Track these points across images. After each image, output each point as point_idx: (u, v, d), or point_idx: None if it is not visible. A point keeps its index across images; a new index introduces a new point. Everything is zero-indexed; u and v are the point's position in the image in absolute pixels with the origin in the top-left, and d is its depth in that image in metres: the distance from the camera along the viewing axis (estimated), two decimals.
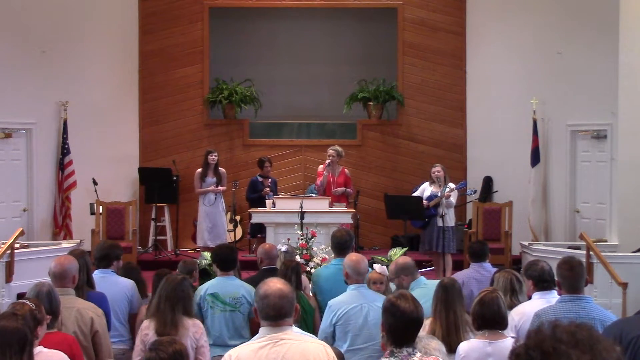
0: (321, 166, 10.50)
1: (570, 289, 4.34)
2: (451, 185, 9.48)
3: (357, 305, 4.94)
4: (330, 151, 10.30)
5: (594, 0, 10.44)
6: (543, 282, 4.77)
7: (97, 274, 5.77)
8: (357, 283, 5.09)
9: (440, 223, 9.25)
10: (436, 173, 9.48)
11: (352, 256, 5.27)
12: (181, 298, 4.66)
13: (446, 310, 4.50)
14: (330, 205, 9.78)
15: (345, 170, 10.52)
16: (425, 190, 9.57)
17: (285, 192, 11.21)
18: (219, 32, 12.50)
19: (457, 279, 5.67)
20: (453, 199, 9.51)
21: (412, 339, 3.32)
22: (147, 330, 4.64)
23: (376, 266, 5.60)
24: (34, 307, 3.65)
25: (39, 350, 3.56)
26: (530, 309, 4.55)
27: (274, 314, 3.16)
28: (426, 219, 9.38)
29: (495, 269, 5.89)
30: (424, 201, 9.38)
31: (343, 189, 10.29)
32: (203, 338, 4.63)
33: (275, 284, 3.24)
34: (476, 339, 4.11)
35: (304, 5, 12.51)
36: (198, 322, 4.73)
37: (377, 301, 4.98)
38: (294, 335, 3.23)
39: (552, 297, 4.70)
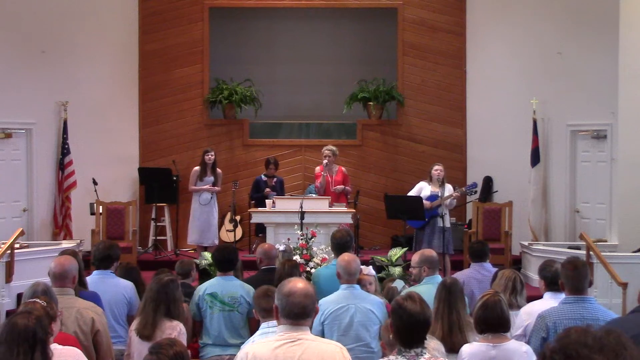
0: (318, 167, 10.51)
1: (573, 290, 4.34)
2: (449, 186, 9.46)
3: (344, 305, 4.94)
4: (326, 152, 10.30)
5: (594, 0, 10.45)
6: (554, 285, 4.74)
7: (96, 275, 5.77)
8: (348, 283, 5.09)
9: (440, 223, 9.24)
10: (438, 171, 9.45)
11: (345, 256, 5.26)
12: (164, 300, 4.68)
13: (449, 311, 4.49)
14: (330, 205, 9.79)
15: (342, 168, 10.54)
16: (424, 189, 9.49)
17: (286, 192, 11.22)
18: (219, 32, 12.49)
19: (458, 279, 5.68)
20: (455, 200, 9.53)
21: (420, 340, 3.31)
22: (133, 326, 4.80)
23: (362, 267, 5.62)
24: (45, 305, 3.65)
25: (53, 347, 3.57)
26: (540, 309, 4.54)
27: (298, 312, 3.16)
28: (427, 219, 9.34)
29: (495, 269, 5.89)
30: (425, 201, 9.35)
31: (342, 187, 10.31)
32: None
33: (299, 283, 3.24)
34: (479, 342, 4.09)
35: (304, 5, 12.50)
36: (177, 324, 4.69)
37: (366, 302, 4.98)
38: (311, 336, 3.22)
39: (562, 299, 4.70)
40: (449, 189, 9.43)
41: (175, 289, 4.82)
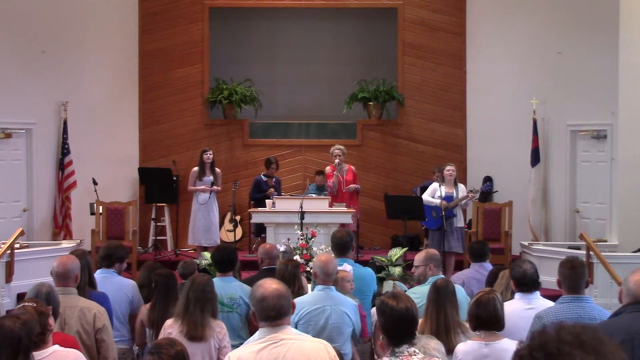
0: (328, 167, 10.50)
1: (570, 289, 4.35)
2: (462, 186, 9.56)
3: (320, 306, 4.90)
4: (336, 151, 10.28)
5: (593, 0, 10.45)
6: (523, 286, 4.72)
7: (99, 274, 5.80)
8: (324, 284, 5.04)
9: (458, 224, 9.38)
10: (450, 172, 9.53)
11: (322, 256, 5.23)
12: (209, 299, 4.72)
13: (437, 311, 4.48)
14: (330, 205, 9.80)
15: (352, 167, 10.57)
16: (437, 190, 9.53)
17: (285, 192, 11.22)
18: (219, 32, 12.49)
19: (454, 280, 5.67)
20: (471, 200, 9.64)
21: (409, 336, 3.31)
22: (171, 329, 4.67)
23: (344, 264, 5.61)
24: (35, 306, 3.64)
25: (53, 349, 3.60)
26: (509, 310, 4.53)
27: (274, 315, 3.17)
28: (443, 220, 9.36)
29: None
30: (443, 201, 9.36)
31: (355, 186, 10.34)
32: (226, 339, 4.69)
33: (270, 285, 3.24)
34: (472, 340, 4.09)
35: (304, 5, 12.51)
36: (221, 322, 4.79)
37: (342, 305, 4.95)
38: (293, 334, 3.24)
39: (533, 299, 4.69)
40: (462, 188, 9.54)
41: (214, 287, 4.88)
